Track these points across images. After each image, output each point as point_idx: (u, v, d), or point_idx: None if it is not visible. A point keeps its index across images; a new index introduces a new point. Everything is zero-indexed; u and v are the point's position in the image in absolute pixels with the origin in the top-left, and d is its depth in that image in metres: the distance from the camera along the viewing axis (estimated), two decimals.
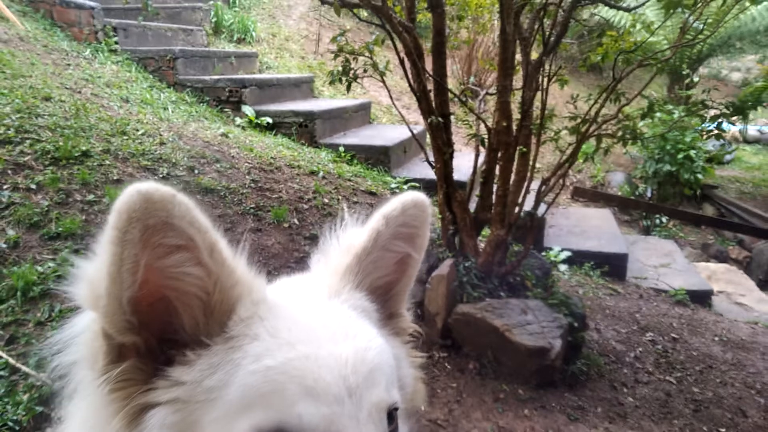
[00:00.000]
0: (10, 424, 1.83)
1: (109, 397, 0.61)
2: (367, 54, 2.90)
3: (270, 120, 5.29)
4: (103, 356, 0.61)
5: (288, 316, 0.68)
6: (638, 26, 3.32)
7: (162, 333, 0.64)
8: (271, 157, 4.14)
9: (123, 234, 0.54)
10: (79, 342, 0.63)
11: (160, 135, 3.76)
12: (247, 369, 0.61)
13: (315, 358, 0.62)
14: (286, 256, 3.02)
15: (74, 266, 0.58)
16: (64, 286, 0.59)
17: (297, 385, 0.60)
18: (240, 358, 0.62)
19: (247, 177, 3.61)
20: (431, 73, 2.86)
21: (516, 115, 2.83)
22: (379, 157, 5.09)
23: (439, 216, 3.14)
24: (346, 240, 0.78)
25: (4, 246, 2.37)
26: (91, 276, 0.58)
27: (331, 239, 0.79)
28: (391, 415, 0.68)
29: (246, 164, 3.80)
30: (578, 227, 5.16)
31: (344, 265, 0.76)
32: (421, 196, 0.77)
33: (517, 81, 2.88)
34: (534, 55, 2.83)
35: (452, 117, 3.40)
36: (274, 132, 5.28)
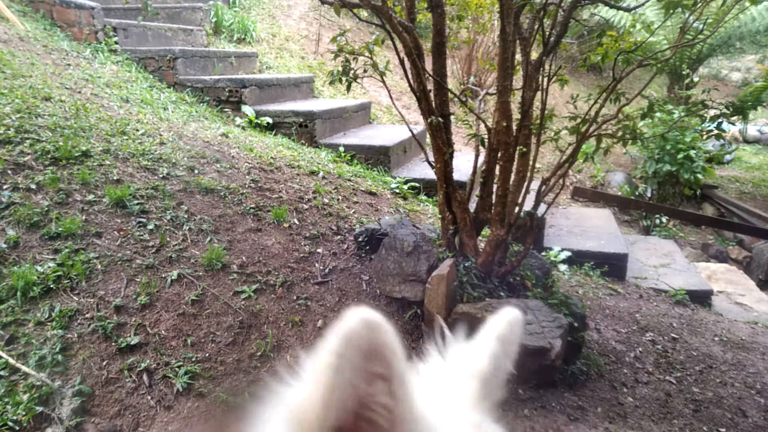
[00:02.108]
0: (10, 424, 1.83)
1: None
2: (367, 54, 2.90)
3: (270, 120, 5.30)
4: None
5: None
6: (638, 26, 3.32)
7: None
8: (271, 157, 4.14)
9: (340, 358, 0.55)
10: None
11: (160, 135, 3.76)
12: None
13: None
14: (286, 256, 3.02)
15: (271, 389, 0.59)
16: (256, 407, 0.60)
17: None
18: None
19: (247, 177, 3.61)
20: (431, 73, 2.86)
21: (516, 115, 2.83)
22: (379, 157, 5.09)
23: (439, 216, 3.14)
24: (466, 365, 0.76)
25: (4, 246, 2.38)
26: (298, 401, 0.58)
27: (438, 358, 0.77)
28: None
29: (246, 164, 3.80)
30: (578, 227, 5.16)
31: (474, 394, 0.74)
32: (518, 312, 0.77)
33: (517, 81, 2.88)
34: (534, 55, 2.83)
35: (452, 117, 3.40)
36: (274, 132, 5.29)
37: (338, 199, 3.86)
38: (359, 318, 0.55)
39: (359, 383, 0.56)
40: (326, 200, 3.76)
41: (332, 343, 0.55)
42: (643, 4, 2.96)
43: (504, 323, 0.75)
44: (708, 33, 6.34)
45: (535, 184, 3.09)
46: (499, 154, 2.86)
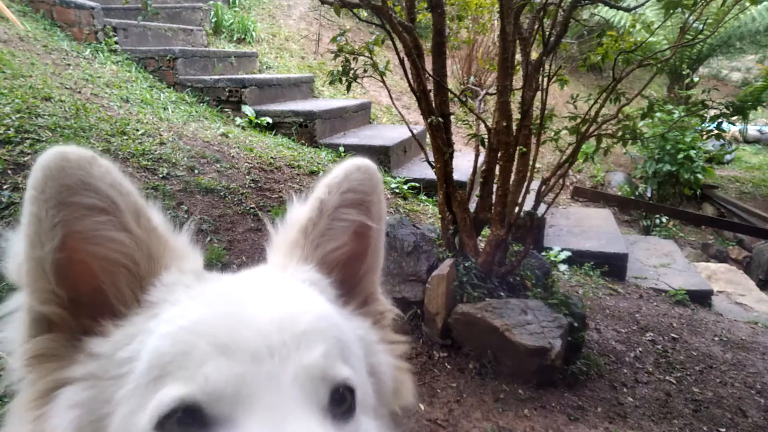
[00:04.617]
0: None
1: (28, 375, 0.56)
2: (367, 54, 2.90)
3: (270, 120, 5.29)
4: (25, 330, 0.57)
5: (216, 284, 0.63)
6: (638, 26, 3.33)
7: (91, 305, 0.59)
8: (271, 157, 4.14)
9: (39, 193, 0.53)
10: (11, 320, 0.59)
11: (160, 135, 3.76)
12: (159, 333, 0.55)
13: (233, 315, 0.55)
14: None
15: (6, 239, 0.56)
16: None
17: (207, 342, 0.53)
18: (155, 324, 0.56)
19: (247, 177, 3.61)
20: (431, 73, 2.86)
21: (516, 115, 2.84)
22: (379, 157, 5.09)
23: (439, 216, 3.14)
24: (291, 216, 0.73)
25: (4, 246, 2.37)
26: (16, 244, 0.57)
27: (280, 223, 0.75)
28: (343, 395, 0.59)
29: (246, 164, 3.80)
30: (578, 227, 5.16)
31: (289, 240, 0.72)
32: (365, 160, 0.72)
33: (517, 81, 2.88)
34: (534, 55, 2.83)
35: (452, 117, 3.40)
36: (274, 132, 5.28)
37: None
38: (53, 152, 0.52)
39: (67, 216, 0.55)
40: None
41: (30, 178, 0.53)
42: (643, 4, 2.96)
43: (338, 170, 0.71)
44: (708, 33, 6.33)
45: (535, 184, 3.09)
46: (499, 154, 2.86)
